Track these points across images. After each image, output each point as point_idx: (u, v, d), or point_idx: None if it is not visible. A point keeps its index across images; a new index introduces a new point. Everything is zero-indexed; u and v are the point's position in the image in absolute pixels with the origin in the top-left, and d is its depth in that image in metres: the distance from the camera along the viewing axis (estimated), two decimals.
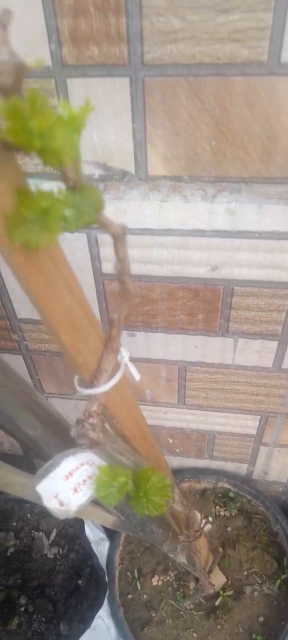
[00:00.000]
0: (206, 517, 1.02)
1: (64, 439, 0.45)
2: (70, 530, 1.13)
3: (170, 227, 0.60)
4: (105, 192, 0.65)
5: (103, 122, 0.59)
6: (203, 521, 0.70)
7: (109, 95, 0.56)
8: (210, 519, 1.06)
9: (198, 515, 0.71)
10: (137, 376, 0.41)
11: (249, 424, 0.94)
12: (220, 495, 1.11)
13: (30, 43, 0.54)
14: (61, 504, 0.43)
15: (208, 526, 1.06)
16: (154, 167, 0.63)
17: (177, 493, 0.53)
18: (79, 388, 0.39)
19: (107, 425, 0.41)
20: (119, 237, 0.31)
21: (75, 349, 0.35)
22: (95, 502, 0.48)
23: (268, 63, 0.50)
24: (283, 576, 0.98)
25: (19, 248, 0.27)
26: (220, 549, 0.89)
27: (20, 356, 0.88)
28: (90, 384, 0.38)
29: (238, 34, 0.49)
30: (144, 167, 0.63)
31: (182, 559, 0.77)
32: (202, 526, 0.69)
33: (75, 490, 0.43)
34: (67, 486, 0.43)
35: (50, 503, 0.42)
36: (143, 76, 0.54)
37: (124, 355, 0.40)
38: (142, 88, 0.55)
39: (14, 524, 1.15)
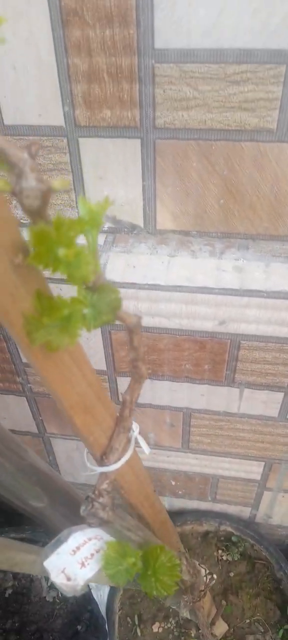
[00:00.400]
0: (211, 573, 1.00)
1: (72, 509, 0.45)
2: None
3: (178, 284, 0.60)
4: (114, 244, 0.65)
5: (114, 179, 0.60)
6: (208, 578, 0.69)
7: (120, 154, 0.57)
8: (215, 576, 1.04)
9: (202, 571, 0.70)
10: (147, 450, 0.41)
11: (253, 470, 0.93)
12: (222, 538, 1.09)
13: (45, 104, 0.55)
14: (68, 578, 0.42)
15: (213, 581, 1.04)
16: (163, 222, 0.63)
17: (184, 564, 0.52)
18: (89, 465, 0.39)
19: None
20: (135, 329, 0.31)
21: (87, 429, 0.35)
22: None
23: (278, 131, 0.51)
24: (287, 625, 0.96)
25: (37, 347, 0.27)
26: (224, 602, 0.87)
27: (24, 398, 0.88)
28: (101, 461, 0.38)
29: (249, 104, 0.50)
30: (152, 222, 0.63)
31: (185, 613, 0.76)
32: (207, 583, 0.67)
33: (83, 564, 0.42)
34: (74, 561, 0.42)
35: (58, 578, 0.42)
36: (154, 138, 0.55)
37: (135, 429, 0.40)
38: (153, 149, 0.56)
39: None
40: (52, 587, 1.10)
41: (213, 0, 0.45)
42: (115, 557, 0.40)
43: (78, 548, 0.42)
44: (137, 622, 0.98)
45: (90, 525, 0.38)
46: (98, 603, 1.00)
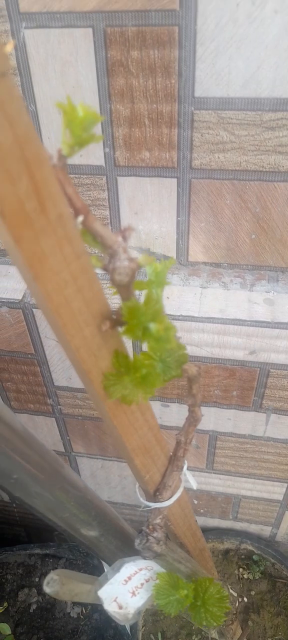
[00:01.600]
0: (241, 596, 1.01)
1: (122, 540, 0.47)
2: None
3: (211, 316, 0.62)
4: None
5: (149, 214, 0.62)
6: (239, 600, 0.70)
7: (157, 192, 0.59)
8: (246, 599, 1.05)
9: (234, 594, 0.71)
10: (195, 486, 0.43)
11: (276, 490, 0.94)
12: (243, 556, 1.10)
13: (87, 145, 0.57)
14: (120, 607, 0.44)
15: (239, 603, 1.05)
16: (195, 254, 0.65)
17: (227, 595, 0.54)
18: (143, 500, 0.41)
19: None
20: (195, 378, 0.33)
21: (145, 469, 0.37)
22: None
23: None
24: None
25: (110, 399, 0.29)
26: (251, 623, 0.88)
27: (53, 419, 0.90)
28: (154, 497, 0.40)
29: (283, 148, 0.52)
30: (185, 254, 0.65)
31: (213, 634, 0.77)
32: (237, 607, 0.69)
33: (133, 593, 0.44)
34: (125, 590, 0.44)
35: (110, 606, 0.44)
36: (190, 178, 0.57)
37: (184, 466, 0.42)
38: (188, 188, 0.58)
39: (37, 579, 1.15)
40: (76, 603, 1.12)
41: (253, 56, 0.47)
42: (166, 588, 0.42)
43: (129, 578, 0.44)
44: (160, 639, 0.99)
45: (144, 558, 0.40)
46: None
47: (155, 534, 0.39)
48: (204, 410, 0.79)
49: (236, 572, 1.08)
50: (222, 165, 0.55)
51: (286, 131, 0.51)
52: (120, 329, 0.28)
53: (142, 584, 0.45)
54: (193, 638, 1.00)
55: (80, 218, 0.24)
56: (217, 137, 0.53)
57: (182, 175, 0.56)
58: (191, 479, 0.44)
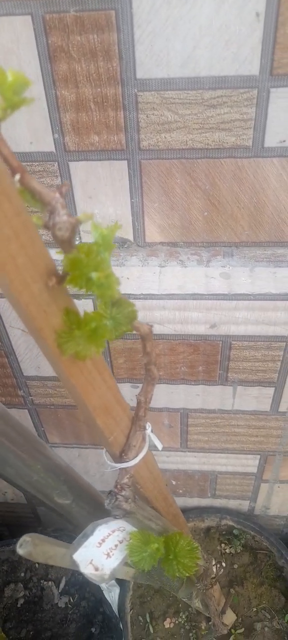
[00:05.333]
0: (219, 562, 1.04)
1: (93, 505, 0.49)
2: (80, 578, 1.13)
3: (170, 292, 0.64)
4: None
5: (103, 198, 0.63)
6: (218, 566, 0.72)
7: (109, 175, 0.61)
8: (224, 563, 1.08)
9: (212, 561, 0.73)
10: (159, 446, 0.45)
11: (250, 463, 0.97)
12: (224, 532, 1.13)
13: (36, 132, 0.58)
14: (96, 569, 0.46)
15: (221, 570, 1.08)
16: (151, 235, 0.67)
17: (199, 551, 0.56)
18: (110, 462, 0.43)
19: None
20: (147, 336, 0.35)
21: (108, 430, 0.39)
22: None
23: (253, 148, 0.55)
24: None
25: (66, 357, 0.31)
26: (232, 591, 0.90)
27: (26, 410, 0.91)
28: (120, 458, 0.42)
29: (226, 124, 0.54)
30: (142, 235, 0.67)
31: (197, 603, 0.79)
32: (217, 572, 0.71)
33: (108, 555, 0.46)
34: (100, 552, 0.46)
35: (86, 569, 0.46)
36: (140, 159, 0.59)
37: (148, 428, 0.44)
38: (139, 169, 0.60)
39: (23, 574, 1.15)
40: (64, 592, 1.13)
41: (189, 36, 0.49)
42: (138, 545, 0.44)
43: (103, 540, 0.46)
44: (148, 620, 1.01)
45: (115, 517, 0.42)
46: (110, 603, 1.03)
47: (123, 493, 0.41)
48: (173, 388, 0.81)
49: (218, 547, 1.11)
50: (169, 145, 0.57)
51: (227, 108, 0.54)
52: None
53: (116, 545, 0.47)
54: (180, 614, 1.02)
55: (17, 176, 0.26)
56: (162, 118, 0.55)
57: (131, 157, 0.58)
58: (156, 441, 0.46)
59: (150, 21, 0.48)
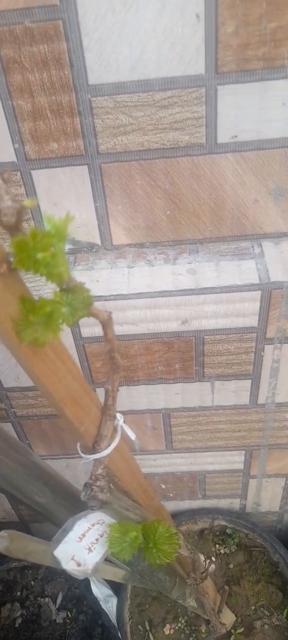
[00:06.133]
0: (209, 557, 1.04)
1: (72, 502, 0.49)
2: (76, 592, 1.13)
3: (140, 291, 0.66)
4: (76, 264, 0.70)
5: (67, 203, 0.65)
6: (207, 562, 0.72)
7: (71, 181, 0.63)
8: (213, 559, 1.07)
9: (201, 557, 0.73)
10: (132, 436, 0.46)
11: (236, 459, 0.97)
12: (217, 533, 1.12)
13: None
14: (78, 564, 0.46)
15: (212, 566, 1.07)
16: (118, 237, 0.69)
17: (181, 539, 0.56)
18: (83, 454, 0.43)
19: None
20: (107, 322, 0.36)
21: (78, 420, 0.40)
22: (105, 559, 0.51)
23: (207, 145, 0.57)
24: None
25: (25, 345, 0.32)
26: (227, 587, 0.90)
27: (9, 423, 0.91)
28: (93, 449, 0.43)
29: (179, 124, 0.56)
30: (108, 238, 0.69)
31: (191, 602, 0.79)
32: (206, 567, 0.71)
33: (90, 549, 0.46)
34: (81, 547, 0.46)
35: (68, 565, 0.46)
36: (99, 163, 0.61)
37: (119, 418, 0.45)
38: (99, 173, 0.61)
39: (19, 593, 1.15)
40: (61, 608, 1.13)
41: (135, 41, 0.51)
42: (118, 536, 0.44)
43: (84, 535, 0.46)
44: (148, 628, 1.00)
45: (91, 508, 0.42)
46: (108, 613, 1.02)
47: (98, 483, 0.42)
48: (152, 388, 0.82)
49: (213, 549, 1.11)
50: (126, 147, 0.59)
51: (178, 108, 0.56)
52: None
53: (97, 539, 0.47)
54: (179, 619, 1.02)
55: None
56: (117, 121, 0.57)
57: (91, 161, 0.60)
58: (128, 430, 0.47)
59: (97, 29, 0.50)
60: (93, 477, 0.43)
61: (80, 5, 0.49)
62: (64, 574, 1.13)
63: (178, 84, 0.54)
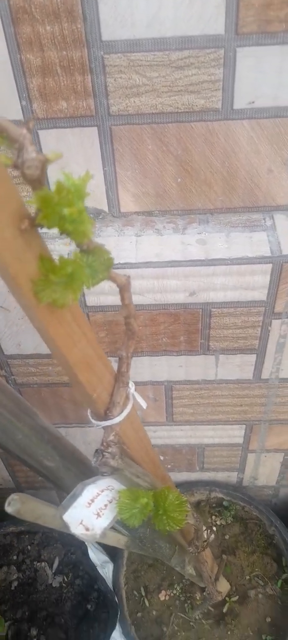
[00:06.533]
0: (210, 527, 1.05)
1: (80, 468, 0.49)
2: (73, 557, 1.14)
3: (148, 260, 0.64)
4: None
5: (75, 166, 0.63)
6: (209, 531, 0.73)
7: (79, 143, 0.61)
8: (214, 528, 1.09)
9: (203, 525, 0.74)
10: (144, 404, 0.46)
11: (236, 434, 0.98)
12: (214, 505, 1.14)
13: (2, 100, 0.58)
14: (86, 529, 0.46)
15: (212, 536, 1.10)
16: (126, 205, 0.67)
17: (188, 507, 0.57)
18: (94, 421, 0.43)
19: None
20: (125, 287, 0.35)
21: (91, 386, 0.39)
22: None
23: (223, 110, 0.55)
24: (284, 575, 1.01)
25: (42, 306, 0.31)
26: (224, 557, 0.92)
27: None
28: (105, 416, 0.42)
29: (194, 87, 0.54)
30: (116, 205, 0.67)
31: (190, 570, 0.80)
32: (208, 536, 0.72)
33: (98, 515, 0.47)
34: (90, 512, 0.46)
35: (77, 529, 0.46)
36: (110, 125, 0.59)
37: (131, 386, 0.44)
38: (110, 136, 0.59)
39: (15, 557, 1.16)
40: (57, 572, 1.14)
41: None
42: (128, 502, 0.44)
43: (92, 500, 0.46)
44: (143, 594, 1.02)
45: (102, 474, 0.42)
46: (105, 579, 1.04)
47: (109, 450, 0.42)
48: (156, 360, 0.81)
49: (209, 520, 1.12)
50: (138, 109, 0.57)
51: (194, 69, 0.53)
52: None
53: (105, 505, 0.48)
54: (175, 587, 1.04)
55: None
56: (130, 81, 0.55)
57: (101, 123, 0.58)
58: (140, 399, 0.46)
59: None
60: (105, 444, 0.42)
61: None
62: (60, 539, 1.15)
63: (196, 43, 0.51)
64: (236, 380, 0.85)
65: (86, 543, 1.09)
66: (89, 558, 1.05)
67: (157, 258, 0.65)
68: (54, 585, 1.13)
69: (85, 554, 1.08)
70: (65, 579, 1.13)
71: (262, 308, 0.70)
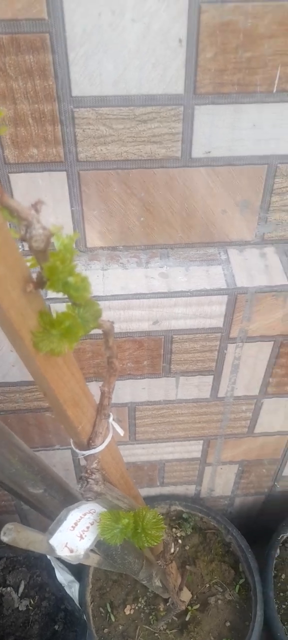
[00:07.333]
0: (175, 540, 1.09)
1: (63, 494, 0.52)
2: (38, 579, 1.14)
3: (115, 293, 0.68)
4: None
5: (44, 207, 0.65)
6: (174, 544, 0.78)
7: (49, 186, 0.64)
8: (180, 541, 1.14)
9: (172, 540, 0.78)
10: (121, 432, 0.49)
11: (194, 449, 1.03)
12: (174, 517, 1.19)
13: None
14: (71, 550, 0.49)
15: (177, 549, 1.14)
16: (92, 240, 0.71)
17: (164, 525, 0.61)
18: (78, 451, 0.46)
19: None
20: (109, 332, 0.39)
21: (77, 420, 0.44)
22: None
23: (182, 158, 0.61)
24: (241, 581, 1.07)
25: (40, 355, 0.35)
26: (188, 567, 0.96)
27: None
28: (88, 445, 0.46)
29: (156, 138, 0.59)
30: (83, 241, 0.71)
31: (157, 582, 0.84)
32: (174, 549, 0.76)
33: (81, 537, 0.50)
34: (74, 535, 0.49)
35: (62, 552, 0.49)
36: (78, 170, 0.62)
37: (110, 417, 0.48)
38: (77, 180, 0.63)
39: None
40: (23, 596, 1.13)
41: (119, 58, 0.53)
42: (109, 523, 0.47)
43: (76, 524, 0.49)
44: (109, 610, 1.04)
45: (87, 499, 0.45)
46: (73, 598, 1.05)
47: (93, 477, 0.45)
48: (120, 384, 0.85)
49: (171, 532, 1.17)
50: (105, 156, 0.61)
51: (157, 123, 0.59)
52: (41, 291, 0.33)
53: (88, 527, 0.51)
54: (139, 600, 1.06)
55: None
56: (98, 132, 0.59)
57: (70, 168, 0.62)
58: (117, 428, 0.50)
59: (83, 44, 0.52)
60: (88, 471, 0.46)
61: (68, 21, 0.50)
62: (25, 562, 1.15)
63: (158, 101, 0.57)
64: (195, 399, 0.90)
65: (52, 564, 1.10)
66: (55, 579, 1.06)
67: (123, 291, 0.70)
68: (20, 609, 1.11)
69: (51, 575, 1.08)
70: (32, 602, 1.12)
71: (219, 334, 0.76)
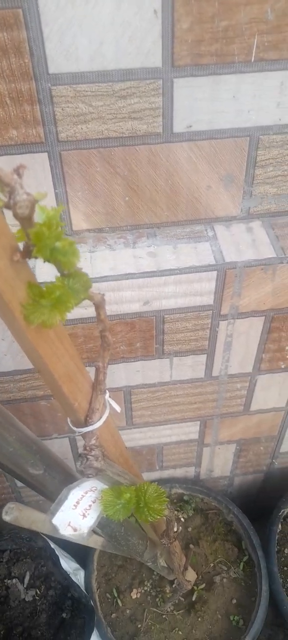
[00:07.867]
0: (178, 519, 1.10)
1: (63, 475, 0.52)
2: (44, 569, 1.14)
3: (104, 275, 0.68)
4: None
5: (27, 190, 0.65)
6: (177, 523, 0.78)
7: (31, 168, 0.63)
8: (182, 519, 1.14)
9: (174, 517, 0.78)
10: (118, 409, 0.49)
11: (191, 430, 1.03)
12: (175, 500, 1.19)
13: None
14: (74, 529, 0.49)
15: (180, 528, 1.15)
16: (78, 223, 0.70)
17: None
18: (76, 429, 0.46)
19: None
20: (100, 304, 0.38)
21: (73, 396, 0.43)
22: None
23: (164, 134, 0.61)
24: (245, 558, 1.08)
25: (32, 328, 0.34)
26: (192, 546, 0.96)
27: None
28: (85, 423, 0.45)
29: (137, 114, 0.59)
30: (68, 224, 0.70)
31: (162, 563, 0.84)
32: (177, 528, 0.77)
33: (84, 515, 0.50)
34: (76, 514, 0.49)
35: (66, 531, 0.49)
36: (59, 150, 0.62)
37: (107, 393, 0.48)
38: (59, 160, 0.63)
39: None
40: (29, 587, 1.14)
41: (94, 33, 0.52)
42: (111, 499, 0.47)
43: (78, 502, 0.49)
44: (116, 595, 1.05)
45: (87, 476, 0.45)
46: (79, 585, 1.05)
47: (92, 453, 0.45)
48: (114, 367, 0.85)
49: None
50: (86, 135, 0.60)
51: (136, 98, 0.58)
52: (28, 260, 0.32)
53: (90, 506, 0.51)
54: (145, 583, 1.07)
55: None
56: (77, 110, 0.58)
57: (51, 149, 0.61)
58: (114, 404, 0.50)
59: (57, 19, 0.51)
60: (88, 448, 0.46)
61: None
62: (29, 554, 1.15)
63: (137, 75, 0.56)
64: (189, 380, 0.90)
65: (57, 552, 1.10)
66: (60, 568, 1.06)
67: (112, 272, 0.69)
68: (27, 599, 1.12)
69: (56, 564, 1.08)
70: (38, 592, 1.12)
71: (210, 311, 0.76)
